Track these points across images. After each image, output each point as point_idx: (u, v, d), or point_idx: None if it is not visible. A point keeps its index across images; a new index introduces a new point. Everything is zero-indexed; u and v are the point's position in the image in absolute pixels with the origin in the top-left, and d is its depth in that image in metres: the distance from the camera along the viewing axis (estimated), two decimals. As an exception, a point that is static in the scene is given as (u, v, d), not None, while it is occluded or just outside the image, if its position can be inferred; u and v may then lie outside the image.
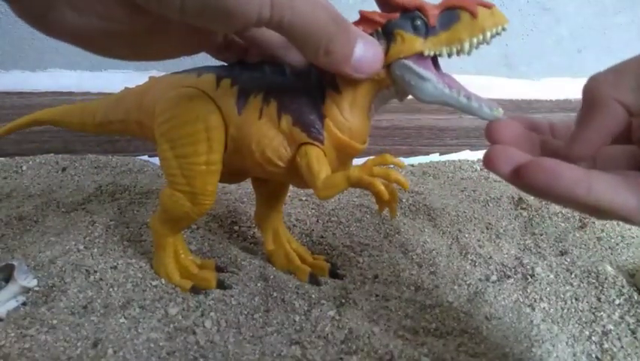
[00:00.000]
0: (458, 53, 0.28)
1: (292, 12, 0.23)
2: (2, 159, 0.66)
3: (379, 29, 0.30)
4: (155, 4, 0.21)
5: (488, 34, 0.27)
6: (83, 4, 0.22)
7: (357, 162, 0.36)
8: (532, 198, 0.61)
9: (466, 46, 0.28)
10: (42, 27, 0.23)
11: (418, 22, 0.29)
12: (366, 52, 0.27)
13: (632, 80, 0.22)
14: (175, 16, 0.21)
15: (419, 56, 0.29)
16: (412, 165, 0.79)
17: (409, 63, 0.29)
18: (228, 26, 0.23)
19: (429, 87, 0.29)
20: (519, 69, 0.83)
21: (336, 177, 0.30)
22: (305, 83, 0.32)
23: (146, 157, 0.72)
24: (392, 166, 0.31)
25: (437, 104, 0.30)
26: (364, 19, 0.30)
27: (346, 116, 0.32)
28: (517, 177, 0.22)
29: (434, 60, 0.30)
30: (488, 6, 0.28)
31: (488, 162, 0.23)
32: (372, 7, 0.30)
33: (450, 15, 0.28)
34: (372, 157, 0.30)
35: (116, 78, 0.70)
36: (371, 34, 0.29)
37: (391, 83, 0.30)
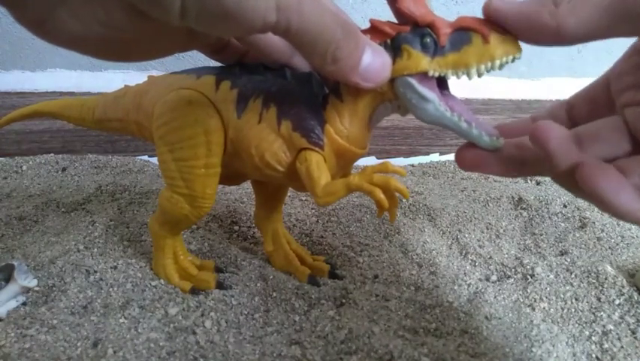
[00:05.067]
0: (465, 76, 0.27)
1: (300, 18, 0.22)
2: (2, 159, 0.66)
3: (388, 41, 0.28)
4: (156, 10, 0.21)
5: (497, 62, 0.26)
6: (84, 11, 0.21)
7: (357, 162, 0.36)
8: (532, 198, 0.61)
9: (473, 72, 0.27)
10: (41, 33, 0.22)
11: (428, 40, 0.27)
12: (374, 60, 0.26)
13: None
14: (176, 21, 0.21)
15: (424, 75, 0.28)
16: (412, 165, 0.79)
17: (413, 82, 0.28)
18: (231, 32, 0.23)
19: (430, 108, 0.28)
20: (519, 69, 0.83)
21: (336, 185, 0.30)
22: (306, 88, 0.32)
23: (146, 157, 0.72)
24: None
25: (437, 126, 0.29)
26: (374, 29, 0.29)
27: (346, 125, 0.31)
28: (574, 175, 0.21)
29: (442, 79, 0.29)
30: (502, 32, 0.26)
31: (537, 137, 0.22)
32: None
33: (461, 36, 0.27)
34: (372, 164, 0.30)
35: (116, 78, 0.70)
36: (379, 45, 0.28)
37: (394, 98, 0.30)
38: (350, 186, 0.29)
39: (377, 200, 0.28)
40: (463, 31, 0.27)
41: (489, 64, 0.26)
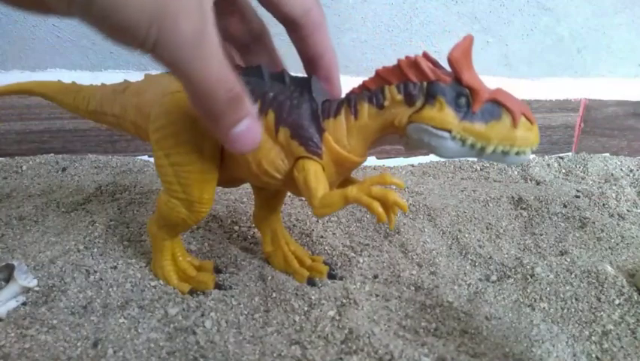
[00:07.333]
0: (481, 149, 0.27)
1: (184, 74, 0.23)
2: (2, 159, 0.66)
3: (424, 83, 0.28)
4: None
5: (515, 149, 0.26)
6: None
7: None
8: (532, 198, 0.61)
9: (490, 149, 0.26)
10: None
11: (463, 101, 0.27)
12: (246, 132, 0.27)
13: None
14: (64, 12, 0.21)
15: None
16: (412, 165, 0.79)
17: (427, 126, 0.28)
18: (117, 40, 0.23)
19: (451, 144, 0.27)
20: (519, 69, 0.83)
21: (333, 196, 0.30)
22: (305, 94, 0.32)
23: (146, 157, 0.72)
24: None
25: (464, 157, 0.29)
26: (416, 65, 0.28)
27: (351, 141, 0.31)
28: None
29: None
30: (531, 120, 0.26)
31: None
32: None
33: (493, 109, 0.27)
34: (370, 176, 0.30)
35: (116, 78, 0.70)
36: (414, 84, 0.28)
37: (405, 135, 0.30)
38: (348, 198, 0.29)
39: (375, 213, 0.28)
40: (496, 105, 0.27)
41: (507, 147, 0.26)
